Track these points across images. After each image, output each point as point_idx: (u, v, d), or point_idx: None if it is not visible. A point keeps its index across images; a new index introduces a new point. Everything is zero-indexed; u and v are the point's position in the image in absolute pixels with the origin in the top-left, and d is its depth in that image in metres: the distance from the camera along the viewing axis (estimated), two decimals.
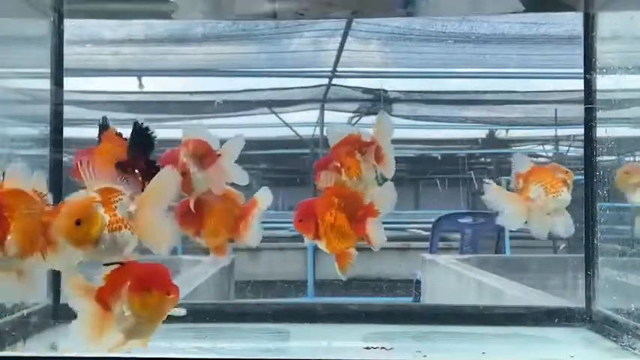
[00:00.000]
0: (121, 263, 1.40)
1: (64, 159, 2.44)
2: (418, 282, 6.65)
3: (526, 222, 1.87)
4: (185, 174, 1.70)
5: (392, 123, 1.87)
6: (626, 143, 2.53)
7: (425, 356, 1.88)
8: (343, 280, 1.69)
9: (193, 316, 2.43)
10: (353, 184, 1.71)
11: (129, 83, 7.88)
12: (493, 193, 1.85)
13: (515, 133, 12.26)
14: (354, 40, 6.71)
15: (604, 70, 2.41)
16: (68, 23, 2.49)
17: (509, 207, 1.85)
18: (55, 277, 2.44)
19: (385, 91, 9.39)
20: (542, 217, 1.85)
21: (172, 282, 1.39)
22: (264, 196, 1.86)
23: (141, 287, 1.36)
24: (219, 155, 1.80)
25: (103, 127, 1.72)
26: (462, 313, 2.57)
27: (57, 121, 2.48)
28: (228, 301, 6.22)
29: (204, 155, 1.77)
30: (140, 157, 1.65)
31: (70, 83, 2.56)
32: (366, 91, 9.52)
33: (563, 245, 9.99)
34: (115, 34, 5.65)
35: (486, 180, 1.86)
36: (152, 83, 8.14)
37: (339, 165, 1.72)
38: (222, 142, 1.83)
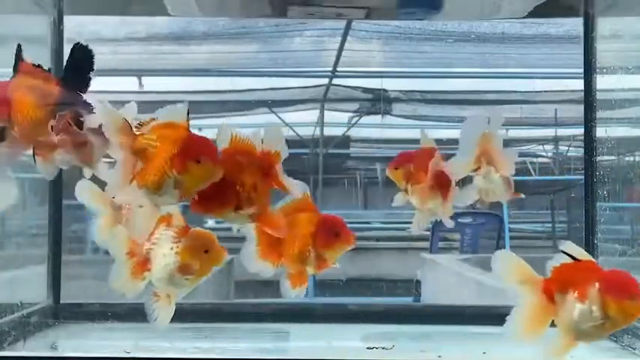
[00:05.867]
0: (574, 258, 1.35)
1: None
2: (418, 282, 6.65)
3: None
4: (86, 143, 1.55)
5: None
6: (626, 143, 2.52)
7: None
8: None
9: (193, 316, 2.45)
10: None
11: (129, 83, 7.86)
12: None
13: (516, 133, 12.25)
14: (354, 39, 6.70)
15: (604, 70, 2.40)
16: (68, 22, 2.49)
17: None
18: (55, 277, 2.45)
19: (385, 91, 9.38)
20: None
21: None
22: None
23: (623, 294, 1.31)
24: None
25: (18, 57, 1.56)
26: (462, 313, 2.56)
27: None
28: (228, 301, 6.22)
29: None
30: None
31: None
32: (366, 91, 9.51)
33: None
34: (115, 32, 5.63)
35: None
36: (152, 83, 8.12)
37: None
38: None
